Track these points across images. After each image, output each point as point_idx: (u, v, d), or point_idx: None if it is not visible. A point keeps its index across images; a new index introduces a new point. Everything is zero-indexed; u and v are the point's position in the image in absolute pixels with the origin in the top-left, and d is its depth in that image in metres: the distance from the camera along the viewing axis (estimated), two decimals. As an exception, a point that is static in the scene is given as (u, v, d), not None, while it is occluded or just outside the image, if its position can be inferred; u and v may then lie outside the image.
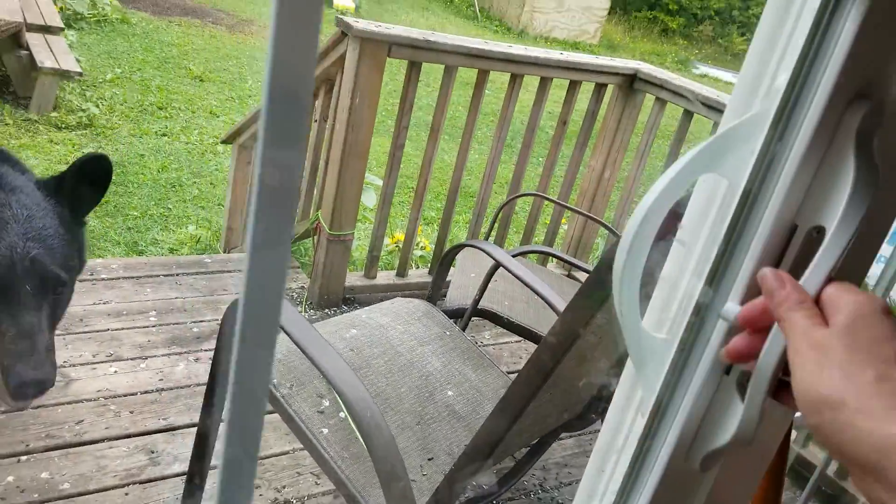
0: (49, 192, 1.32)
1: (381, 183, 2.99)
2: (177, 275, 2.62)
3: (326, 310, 2.66)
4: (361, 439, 1.33)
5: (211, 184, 5.20)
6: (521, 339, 2.66)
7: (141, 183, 4.90)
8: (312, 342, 1.20)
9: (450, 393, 1.55)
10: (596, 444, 0.62)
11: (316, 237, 2.64)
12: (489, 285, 1.79)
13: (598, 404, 1.44)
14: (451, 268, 2.14)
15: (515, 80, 2.61)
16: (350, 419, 1.38)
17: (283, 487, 1.79)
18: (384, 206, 2.62)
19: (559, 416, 1.39)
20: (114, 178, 5.11)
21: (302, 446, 1.94)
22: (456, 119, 7.71)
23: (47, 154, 4.91)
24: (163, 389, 2.03)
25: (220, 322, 1.59)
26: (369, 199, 3.13)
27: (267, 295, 0.24)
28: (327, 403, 1.40)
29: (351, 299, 2.74)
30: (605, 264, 1.00)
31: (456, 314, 1.83)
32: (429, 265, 3.06)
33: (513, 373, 1.76)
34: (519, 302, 1.91)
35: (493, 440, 1.15)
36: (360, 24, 2.20)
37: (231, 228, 3.62)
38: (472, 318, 1.82)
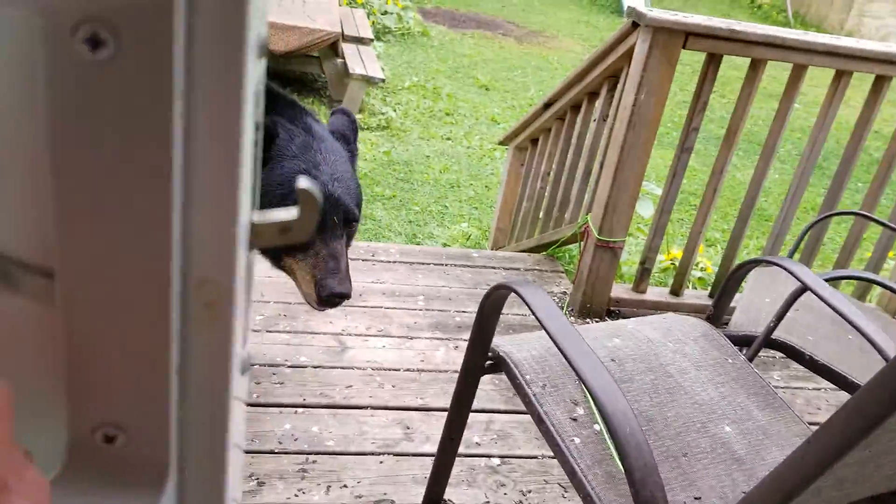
0: (342, 141, 1.50)
1: (659, 192, 2.79)
2: (446, 265, 2.71)
3: (588, 319, 2.55)
4: (617, 458, 1.21)
5: (486, 186, 5.39)
6: (822, 385, 2.27)
7: (424, 181, 5.26)
8: (571, 342, 1.10)
9: (727, 429, 1.35)
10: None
11: (583, 242, 2.55)
12: (788, 313, 1.53)
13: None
14: (740, 289, 1.89)
15: (840, 80, 2.23)
16: (606, 433, 1.26)
17: (528, 492, 1.72)
18: (662, 215, 2.44)
19: (874, 487, 1.12)
20: (401, 174, 5.53)
21: (551, 454, 1.87)
22: (750, 134, 7.06)
23: (350, 150, 5.49)
24: (422, 370, 2.09)
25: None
26: (646, 208, 2.95)
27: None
28: (581, 412, 1.30)
29: (616, 312, 2.59)
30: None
31: (742, 342, 1.59)
32: (708, 288, 2.78)
33: (813, 424, 1.47)
34: (828, 339, 1.61)
35: (779, 499, 0.95)
36: (654, 12, 2.05)
37: (499, 228, 3.69)
38: (763, 350, 1.57)
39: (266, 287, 2.35)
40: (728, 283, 1.54)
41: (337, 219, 1.38)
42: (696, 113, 2.26)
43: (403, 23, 8.59)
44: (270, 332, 2.13)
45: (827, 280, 1.39)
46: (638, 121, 2.18)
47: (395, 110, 6.40)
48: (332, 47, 6.18)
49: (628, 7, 2.18)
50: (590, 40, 10.13)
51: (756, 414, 1.38)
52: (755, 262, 1.51)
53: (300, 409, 1.86)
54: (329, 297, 1.37)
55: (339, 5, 7.20)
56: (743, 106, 2.28)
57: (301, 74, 6.52)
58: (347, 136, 1.58)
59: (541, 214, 3.04)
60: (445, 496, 1.68)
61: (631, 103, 2.17)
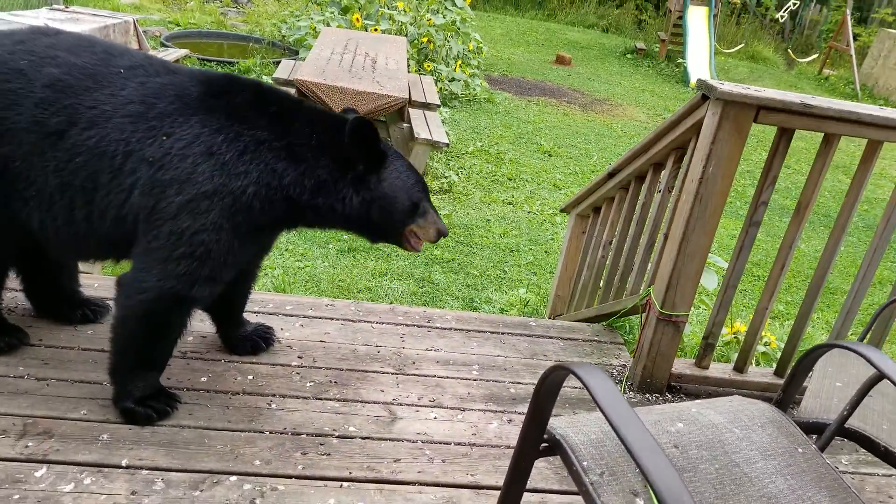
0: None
1: (724, 264, 2.69)
2: (502, 333, 2.66)
3: (647, 395, 2.44)
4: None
5: (545, 251, 5.34)
6: (893, 472, 2.11)
7: (483, 245, 5.25)
8: (633, 432, 1.04)
9: (799, 528, 1.23)
10: None
11: (644, 315, 2.46)
12: (862, 401, 1.42)
13: None
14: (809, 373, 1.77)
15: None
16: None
17: (579, 584, 1.61)
18: (727, 289, 2.33)
19: None
20: (461, 238, 5.54)
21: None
22: (815, 205, 6.83)
23: (412, 213, 5.54)
24: (475, 445, 2.02)
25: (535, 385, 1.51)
26: (710, 281, 2.84)
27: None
28: (641, 503, 1.21)
29: (677, 388, 2.47)
30: None
31: (812, 429, 1.48)
32: (773, 364, 2.63)
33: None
34: (907, 429, 1.48)
35: None
36: (725, 85, 2.01)
37: (558, 296, 3.62)
38: (835, 439, 1.45)
39: (318, 351, 2.34)
40: (798, 367, 1.44)
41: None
42: (765, 187, 2.18)
43: (470, 89, 8.78)
44: (320, 398, 2.11)
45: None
46: (705, 193, 2.12)
47: (457, 174, 6.47)
48: (399, 112, 6.35)
49: (698, 80, 2.15)
50: (654, 108, 10.12)
51: (833, 515, 1.26)
52: (828, 347, 1.40)
53: (346, 484, 1.81)
54: (444, 233, 2.00)
55: (408, 72, 7.44)
56: (814, 180, 2.19)
57: (367, 139, 6.70)
58: None
59: (601, 284, 2.97)
60: (493, 584, 1.59)
61: (699, 176, 2.11)
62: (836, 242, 2.26)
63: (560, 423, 1.36)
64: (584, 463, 1.26)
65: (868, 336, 2.29)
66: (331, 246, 4.79)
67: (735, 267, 2.28)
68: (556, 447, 1.32)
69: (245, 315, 2.30)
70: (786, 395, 1.49)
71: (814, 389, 1.61)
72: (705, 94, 2.09)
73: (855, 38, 12.87)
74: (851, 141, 9.06)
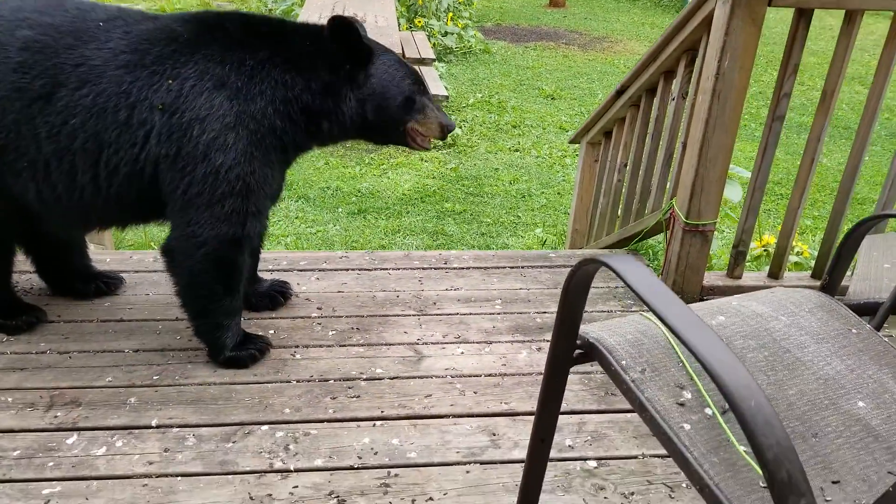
0: None
1: (747, 174, 2.58)
2: (522, 267, 2.58)
3: (680, 311, 2.35)
4: (737, 443, 1.04)
5: (558, 193, 5.24)
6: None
7: (494, 194, 5.16)
8: (678, 311, 0.95)
9: (860, 404, 1.15)
10: None
11: (669, 231, 2.37)
12: (914, 275, 1.32)
13: None
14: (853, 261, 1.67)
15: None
16: (720, 417, 1.09)
17: (631, 495, 1.55)
18: (755, 192, 2.23)
19: None
20: (470, 189, 5.46)
21: (653, 453, 1.70)
22: (834, 119, 6.63)
23: (417, 170, 5.47)
24: (505, 374, 1.96)
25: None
26: (734, 192, 2.73)
27: None
28: (689, 396, 1.14)
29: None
30: None
31: (864, 310, 1.39)
32: (810, 270, 2.53)
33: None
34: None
35: None
36: (734, -30, 1.88)
37: (576, 230, 3.53)
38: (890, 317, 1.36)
39: (336, 301, 2.28)
40: (844, 246, 1.35)
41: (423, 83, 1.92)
42: (786, 77, 2.07)
43: (464, 41, 8.59)
44: (343, 345, 2.05)
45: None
46: (723, 89, 2.00)
47: (460, 127, 6.35)
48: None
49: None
50: (655, 41, 9.88)
51: (892, 386, 1.18)
52: (876, 219, 1.31)
53: (378, 422, 1.76)
54: (450, 128, 1.95)
55: (400, 30, 7.27)
56: (838, 66, 2.06)
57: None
58: None
59: (620, 209, 2.87)
60: (541, 503, 1.53)
61: (714, 71, 2.00)
62: (863, 141, 2.14)
63: (593, 328, 1.29)
64: (623, 362, 1.19)
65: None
66: (340, 210, 4.72)
67: (761, 167, 2.18)
68: (590, 351, 1.24)
69: (259, 274, 2.24)
70: (832, 279, 1.40)
71: (861, 273, 1.52)
72: (714, -17, 1.96)
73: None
74: (872, 37, 8.75)
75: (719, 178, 2.15)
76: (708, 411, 1.12)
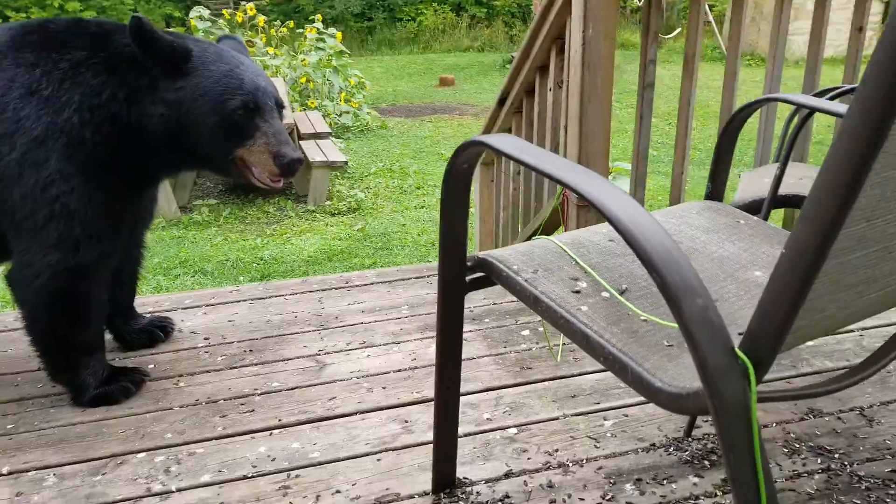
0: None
1: (629, 167, 2.62)
2: (428, 276, 2.48)
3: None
4: (639, 311, 0.95)
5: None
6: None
7: (403, 245, 5.09)
8: (560, 164, 0.87)
9: (757, 273, 1.10)
10: None
11: (565, 214, 2.34)
12: (792, 170, 1.31)
13: None
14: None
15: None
16: (618, 297, 1.00)
17: (556, 451, 1.42)
18: (639, 163, 2.24)
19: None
20: (379, 244, 5.32)
21: (575, 411, 1.58)
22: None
23: (323, 234, 5.35)
24: (416, 367, 1.82)
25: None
26: (623, 185, 2.76)
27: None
28: (584, 285, 1.05)
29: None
30: None
31: (750, 209, 1.36)
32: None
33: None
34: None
35: (791, 295, 0.68)
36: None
37: (483, 244, 3.48)
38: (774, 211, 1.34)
39: (226, 331, 2.09)
40: (721, 142, 1.33)
41: (275, 105, 1.60)
42: (648, 44, 2.13)
43: (360, 120, 8.72)
44: (234, 367, 1.86)
45: (831, 98, 1.18)
46: (591, 59, 2.03)
47: (364, 193, 6.33)
48: (289, 143, 6.17)
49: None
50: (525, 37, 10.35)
51: (793, 255, 1.13)
52: (752, 106, 1.29)
53: (276, 431, 1.57)
54: (290, 162, 1.56)
55: (294, 112, 7.30)
56: (694, 26, 2.14)
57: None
58: (243, 52, 1.73)
59: (520, 212, 2.85)
60: (460, 474, 1.38)
61: (580, 42, 2.03)
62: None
63: (481, 253, 1.19)
64: (515, 266, 1.09)
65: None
66: (241, 278, 4.52)
67: (641, 132, 2.20)
68: (483, 268, 1.14)
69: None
70: (715, 185, 1.38)
71: (743, 185, 1.51)
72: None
73: (711, 8, 13.67)
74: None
75: (602, 151, 2.15)
76: (605, 294, 1.03)
